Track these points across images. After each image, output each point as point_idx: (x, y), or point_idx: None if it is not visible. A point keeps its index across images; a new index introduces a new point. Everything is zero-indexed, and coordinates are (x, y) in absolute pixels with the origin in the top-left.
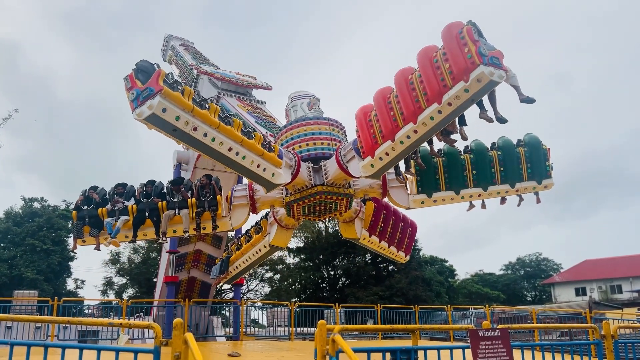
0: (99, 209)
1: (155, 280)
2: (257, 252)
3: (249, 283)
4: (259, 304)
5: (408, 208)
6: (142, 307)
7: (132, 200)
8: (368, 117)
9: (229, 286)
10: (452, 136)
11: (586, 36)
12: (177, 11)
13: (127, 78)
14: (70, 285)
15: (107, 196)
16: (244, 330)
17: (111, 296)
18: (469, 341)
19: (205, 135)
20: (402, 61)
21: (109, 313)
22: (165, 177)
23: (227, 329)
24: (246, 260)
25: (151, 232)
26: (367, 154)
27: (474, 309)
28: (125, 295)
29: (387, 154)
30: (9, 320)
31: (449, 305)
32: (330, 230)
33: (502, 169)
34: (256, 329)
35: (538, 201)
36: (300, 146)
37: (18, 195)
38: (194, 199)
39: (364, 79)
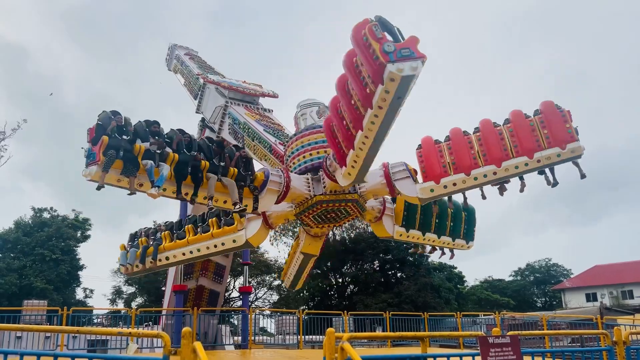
0: (136, 144)
1: (163, 289)
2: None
3: (257, 291)
4: (268, 312)
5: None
6: (151, 316)
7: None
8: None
9: (237, 294)
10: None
11: (604, 32)
12: (183, 13)
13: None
14: (79, 294)
15: (144, 131)
16: (253, 338)
17: (120, 305)
18: (478, 348)
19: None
20: None
21: (118, 322)
22: None
23: (235, 338)
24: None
25: (191, 191)
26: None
27: (484, 315)
28: (134, 304)
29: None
30: (18, 330)
31: (458, 312)
32: (337, 238)
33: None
34: (265, 337)
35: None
36: (304, 156)
37: (26, 203)
38: (235, 169)
39: None
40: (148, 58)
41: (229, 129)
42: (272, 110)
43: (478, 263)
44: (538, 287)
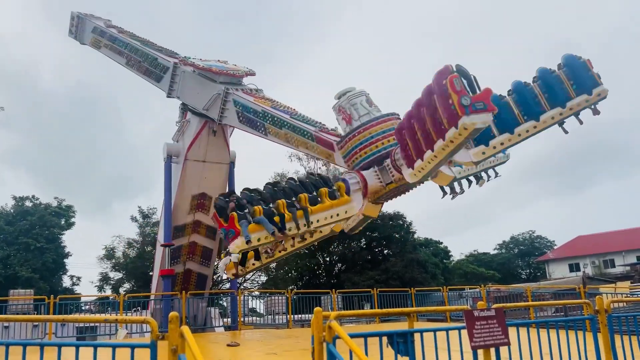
0: (255, 208)
1: (151, 274)
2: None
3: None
4: (256, 293)
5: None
6: (140, 301)
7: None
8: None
9: (225, 277)
10: None
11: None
12: None
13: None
14: (66, 282)
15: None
16: (242, 319)
17: (108, 292)
18: (464, 322)
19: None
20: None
21: (107, 309)
22: (157, 167)
23: (225, 319)
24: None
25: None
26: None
27: (470, 289)
28: (121, 290)
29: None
30: (5, 321)
31: (444, 287)
32: None
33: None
34: (254, 318)
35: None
36: (376, 145)
37: (6, 191)
38: (326, 189)
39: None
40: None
41: (238, 117)
42: (262, 90)
43: (464, 238)
44: (522, 259)
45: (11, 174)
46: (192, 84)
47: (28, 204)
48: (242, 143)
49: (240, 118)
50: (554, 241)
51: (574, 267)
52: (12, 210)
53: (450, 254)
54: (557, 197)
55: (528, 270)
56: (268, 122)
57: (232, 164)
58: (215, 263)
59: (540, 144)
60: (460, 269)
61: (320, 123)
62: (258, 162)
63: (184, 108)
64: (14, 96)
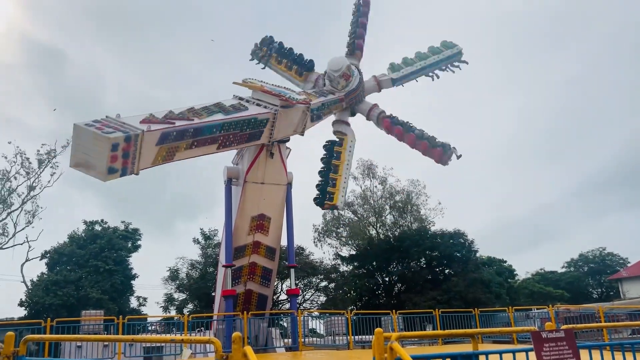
0: None
1: (213, 294)
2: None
3: (304, 293)
4: (316, 313)
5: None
6: (203, 321)
7: None
8: None
9: (285, 297)
10: None
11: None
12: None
13: None
14: (133, 303)
15: None
16: (303, 340)
17: (172, 312)
18: (532, 344)
19: None
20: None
21: (172, 329)
22: (218, 187)
23: (286, 340)
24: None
25: None
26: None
27: (537, 309)
28: (185, 311)
29: None
30: (78, 340)
31: (510, 307)
32: (382, 236)
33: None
34: (315, 339)
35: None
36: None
37: (76, 214)
38: None
39: None
40: (186, 51)
41: None
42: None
43: (529, 256)
44: (593, 277)
45: (80, 195)
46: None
47: (97, 227)
48: (298, 164)
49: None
50: (627, 258)
51: None
52: (83, 235)
53: (515, 272)
54: (629, 211)
55: (600, 290)
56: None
57: (289, 185)
58: (275, 283)
59: (608, 154)
60: (526, 288)
61: None
62: (315, 180)
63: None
64: (78, 115)
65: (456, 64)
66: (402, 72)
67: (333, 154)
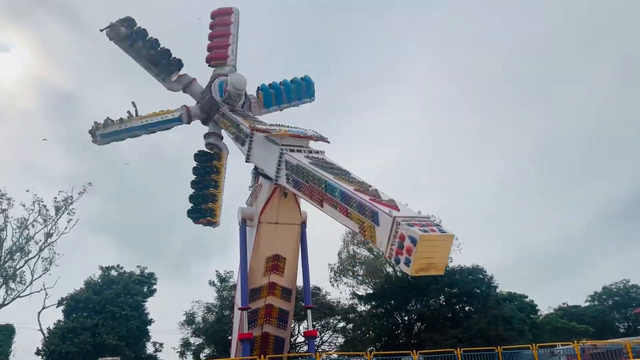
0: None
1: (230, 338)
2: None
3: (322, 335)
4: (335, 356)
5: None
6: None
7: None
8: None
9: (303, 339)
10: None
11: None
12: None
13: None
14: (149, 349)
15: None
16: None
17: (189, 358)
18: None
19: None
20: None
21: None
22: (232, 227)
23: None
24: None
25: None
26: None
27: (562, 345)
28: (202, 356)
29: None
30: None
31: (533, 344)
32: (399, 274)
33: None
34: None
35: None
36: None
37: (92, 258)
38: None
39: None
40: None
41: (286, 179)
42: (324, 152)
43: (550, 290)
44: (618, 311)
45: (95, 239)
46: (262, 148)
47: (113, 273)
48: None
49: (289, 179)
50: None
51: None
52: (99, 280)
53: (537, 308)
54: None
55: (626, 324)
56: (302, 178)
57: (303, 224)
58: (292, 325)
59: (631, 182)
60: (549, 324)
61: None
62: (328, 219)
63: (257, 173)
64: (94, 159)
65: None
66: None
67: (207, 167)
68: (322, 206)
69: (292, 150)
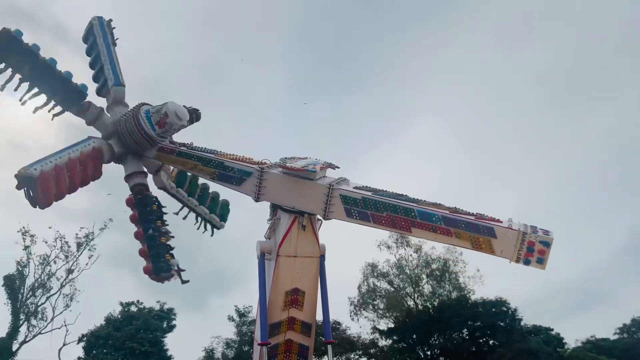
0: None
1: None
2: None
3: None
4: None
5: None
6: None
7: None
8: None
9: None
10: None
11: None
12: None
13: None
14: None
15: None
16: None
17: None
18: None
19: None
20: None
21: None
22: (250, 260)
23: None
24: None
25: None
26: None
27: None
28: None
29: None
30: None
31: None
32: (420, 307)
33: None
34: None
35: None
36: None
37: (111, 293)
38: None
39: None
40: (217, 119)
41: (347, 212)
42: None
43: (577, 322)
44: None
45: (114, 274)
46: (278, 184)
47: (133, 308)
48: (329, 234)
49: (351, 212)
50: None
51: None
52: (119, 316)
53: (563, 341)
54: None
55: None
56: (371, 209)
57: (322, 257)
58: None
59: None
60: (577, 357)
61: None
62: (347, 251)
63: (274, 206)
64: (119, 199)
65: None
66: None
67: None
68: (410, 232)
69: (338, 183)
